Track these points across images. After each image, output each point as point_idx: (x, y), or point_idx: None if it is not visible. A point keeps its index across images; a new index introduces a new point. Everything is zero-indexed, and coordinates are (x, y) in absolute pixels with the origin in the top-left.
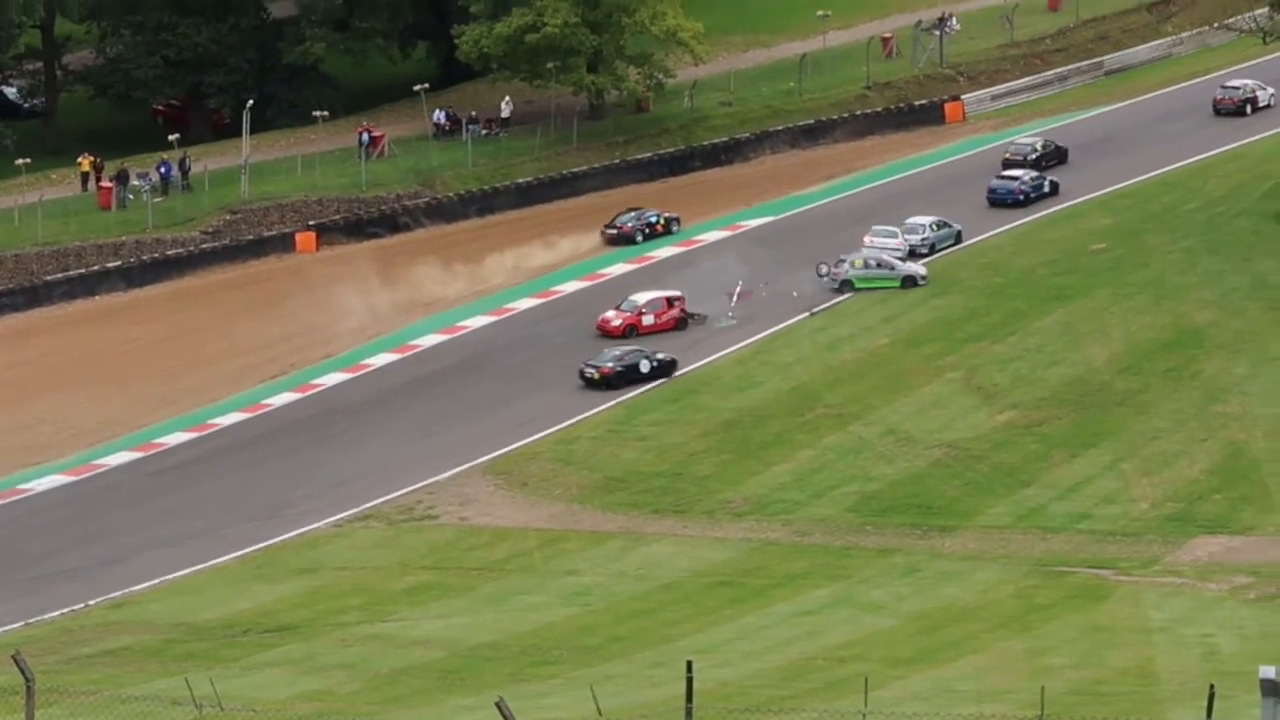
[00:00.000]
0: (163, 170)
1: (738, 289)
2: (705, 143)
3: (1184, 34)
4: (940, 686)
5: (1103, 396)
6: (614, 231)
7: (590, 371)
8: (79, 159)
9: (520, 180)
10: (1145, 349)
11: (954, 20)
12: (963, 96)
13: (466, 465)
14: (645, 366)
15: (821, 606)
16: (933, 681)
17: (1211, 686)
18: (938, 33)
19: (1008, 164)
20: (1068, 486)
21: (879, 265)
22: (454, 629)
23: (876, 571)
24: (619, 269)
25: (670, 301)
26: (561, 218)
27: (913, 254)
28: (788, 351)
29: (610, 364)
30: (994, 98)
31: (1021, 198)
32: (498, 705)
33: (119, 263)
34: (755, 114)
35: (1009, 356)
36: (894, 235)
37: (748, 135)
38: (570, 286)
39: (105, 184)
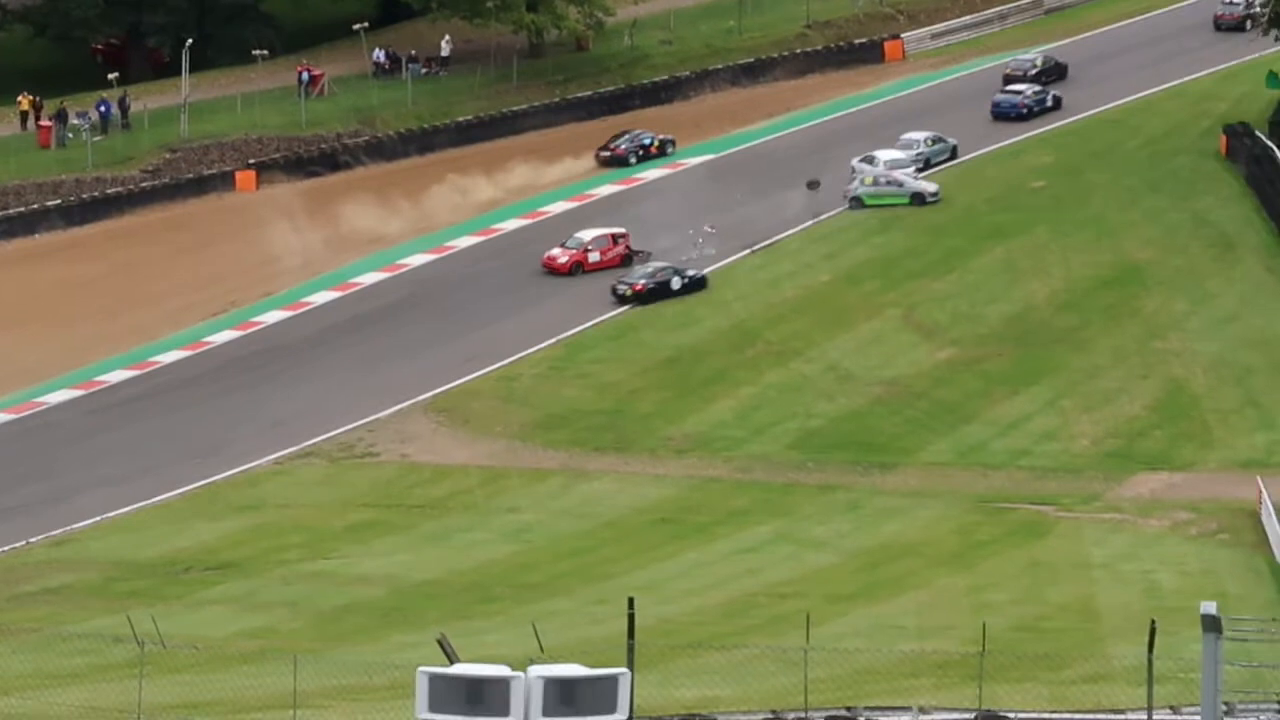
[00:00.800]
0: (102, 109)
1: (706, 227)
2: (645, 81)
3: None
4: (882, 623)
5: (1043, 334)
6: (607, 154)
7: (623, 288)
8: (18, 98)
9: (460, 119)
10: (1085, 286)
11: None
12: (903, 35)
13: (408, 403)
14: (676, 283)
15: (763, 543)
16: (874, 618)
17: (1153, 622)
18: None
19: (1009, 79)
20: (1008, 423)
21: (889, 182)
22: (396, 566)
23: (818, 509)
24: (559, 206)
25: (615, 238)
26: (502, 156)
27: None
28: (728, 289)
29: (643, 280)
30: (934, 36)
31: (1025, 111)
32: (439, 642)
33: (58, 201)
34: (695, 53)
35: (949, 294)
36: (872, 161)
37: (688, 74)
38: (511, 224)
39: (44, 123)
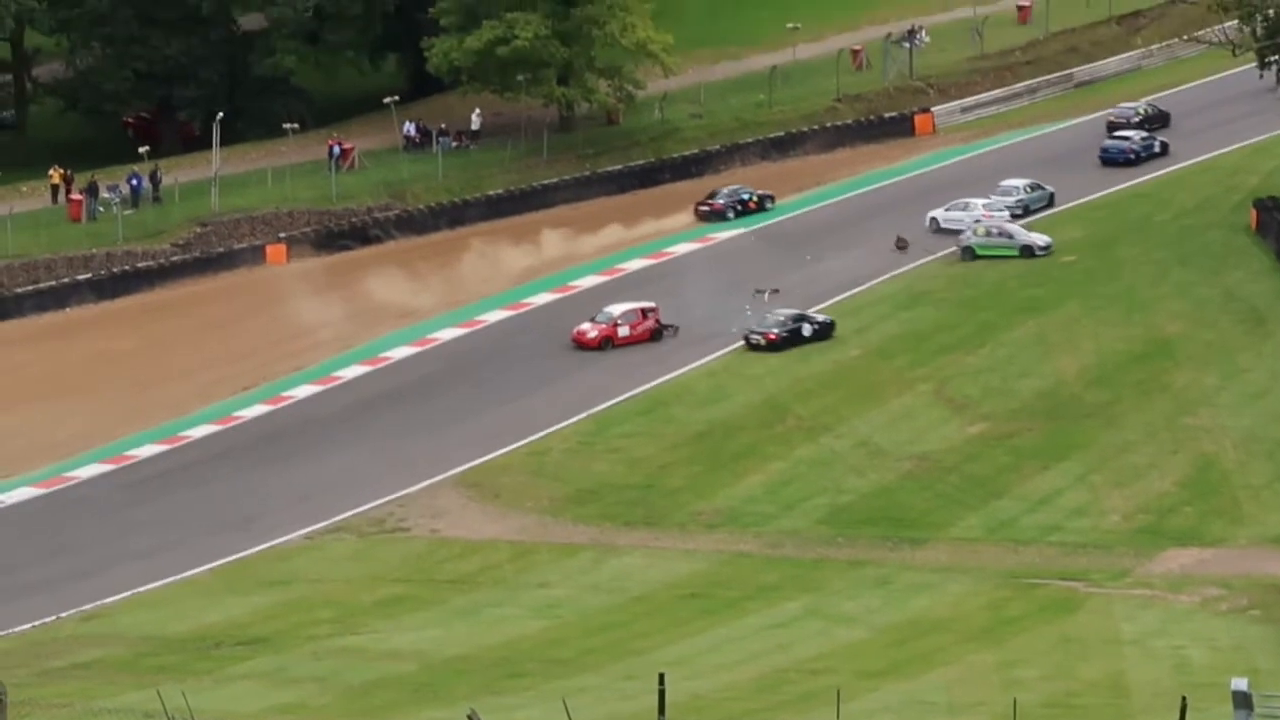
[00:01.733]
0: (133, 182)
1: (768, 289)
2: (675, 155)
3: (1153, 46)
4: (912, 699)
5: (1073, 408)
6: (706, 208)
7: (756, 338)
8: (49, 171)
9: (490, 192)
10: (1116, 361)
11: (923, 33)
12: (933, 109)
13: (438, 477)
14: (807, 330)
15: (793, 619)
16: (904, 694)
17: (1184, 698)
18: (907, 45)
19: (1113, 126)
20: (1039, 498)
21: (1000, 233)
22: (426, 641)
23: (848, 583)
24: (589, 280)
25: (645, 313)
26: (533, 229)
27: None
28: (758, 364)
29: (775, 330)
30: (964, 110)
31: (1133, 156)
32: (469, 717)
33: (89, 275)
34: (725, 126)
35: (980, 368)
36: (964, 208)
37: (718, 147)
38: (541, 298)
39: (75, 196)
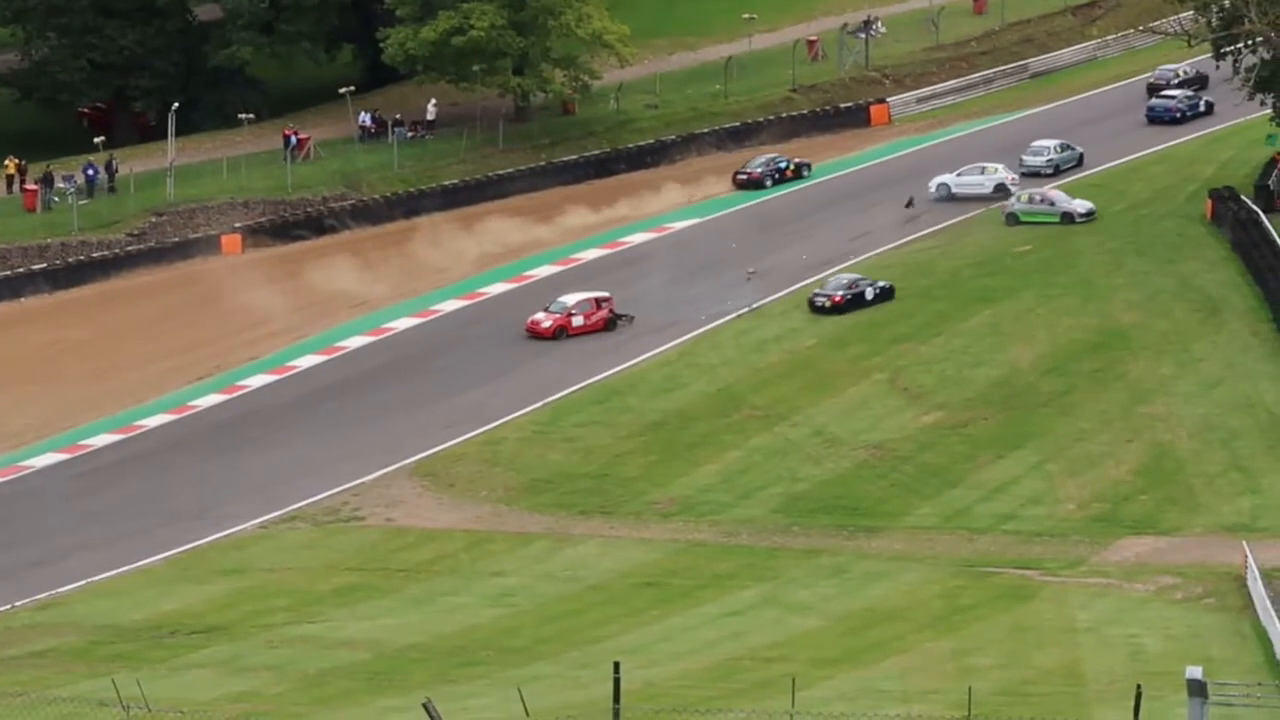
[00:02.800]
0: (88, 173)
1: (749, 270)
2: (631, 145)
3: (1109, 37)
4: (867, 687)
5: (1028, 398)
6: (744, 177)
7: (822, 300)
8: (3, 162)
9: (446, 182)
10: (1071, 350)
11: (879, 23)
12: (888, 99)
13: (393, 466)
14: (870, 293)
15: (748, 607)
16: (859, 682)
17: (1138, 687)
18: (863, 36)
19: (1153, 88)
20: (994, 487)
21: (1042, 200)
22: (381, 630)
23: (803, 572)
24: (545, 270)
25: (599, 302)
26: (488, 219)
27: (1037, 175)
28: (713, 353)
29: (841, 293)
30: (919, 100)
31: (1179, 115)
32: (425, 706)
33: (44, 265)
34: (681, 116)
35: (935, 358)
36: (980, 171)
37: (673, 137)
38: (497, 288)
39: (30, 186)
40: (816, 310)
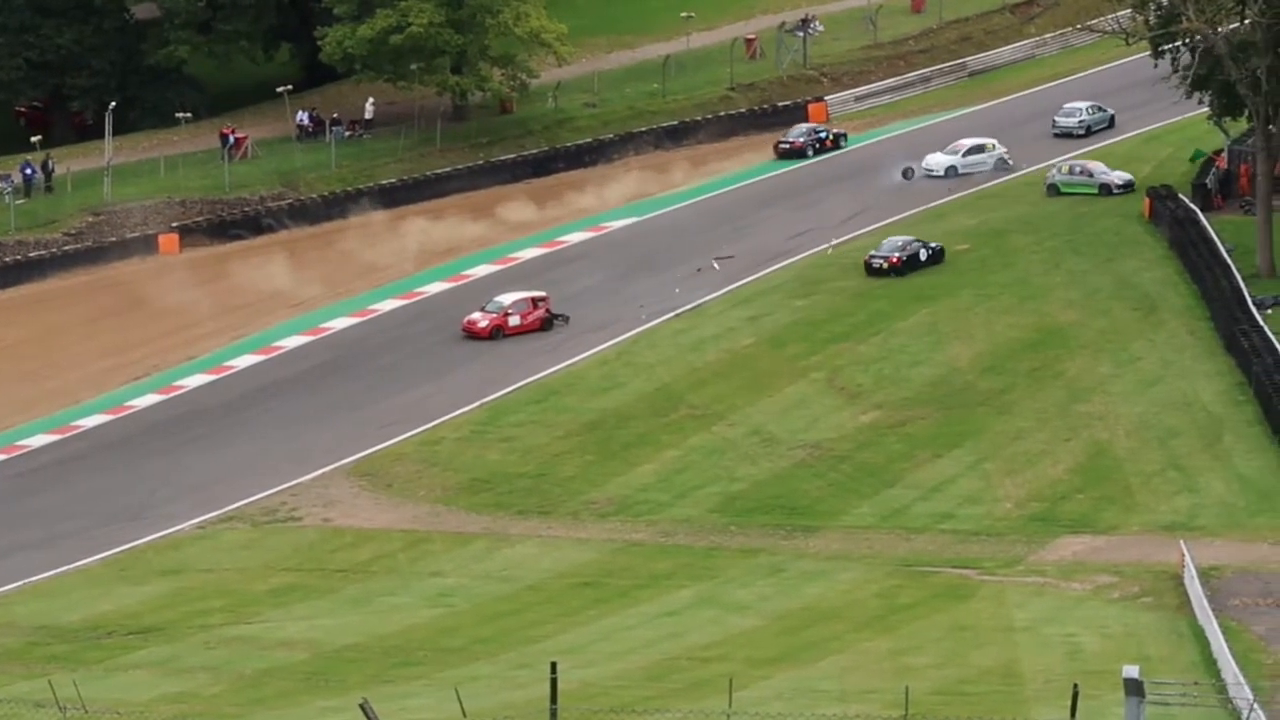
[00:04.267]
0: (25, 172)
1: (714, 258)
2: (569, 144)
3: (1047, 35)
4: (804, 686)
5: (966, 396)
6: (786, 145)
7: (879, 261)
8: None
9: (384, 181)
10: (1009, 349)
11: (817, 22)
12: (826, 97)
13: (330, 466)
14: (923, 255)
15: (685, 607)
16: (797, 681)
17: (1075, 686)
18: (801, 34)
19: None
20: (931, 486)
21: (1082, 172)
22: (318, 630)
23: (741, 572)
24: (482, 270)
25: (535, 302)
26: (426, 218)
27: (1069, 135)
28: (650, 352)
29: (897, 254)
30: (857, 99)
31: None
32: (361, 707)
33: None
34: (619, 115)
35: (872, 357)
36: (955, 153)
37: (611, 136)
38: (434, 287)
39: None
40: (873, 272)
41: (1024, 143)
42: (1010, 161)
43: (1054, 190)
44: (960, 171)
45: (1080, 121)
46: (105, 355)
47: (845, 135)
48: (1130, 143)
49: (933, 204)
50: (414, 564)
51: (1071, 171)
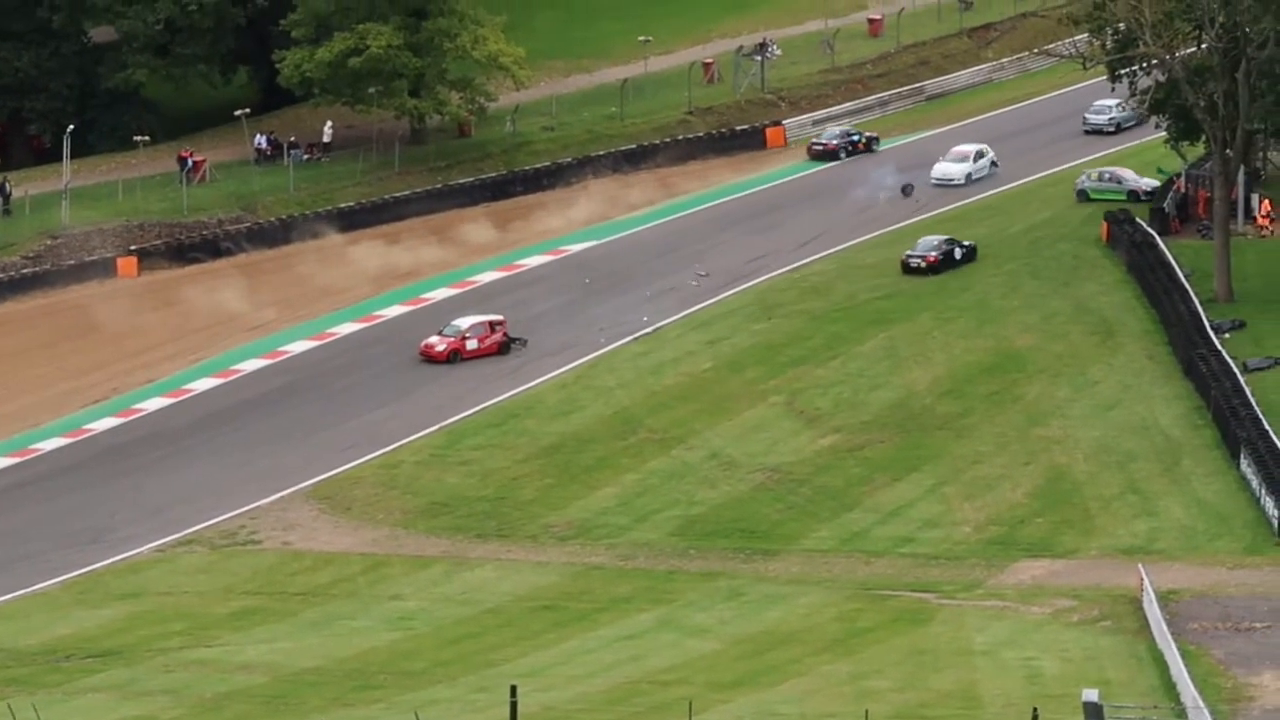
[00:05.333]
0: None
1: (698, 270)
2: (527, 167)
3: (1004, 60)
4: (764, 710)
5: (925, 420)
6: (820, 147)
7: (916, 261)
8: None
9: (342, 205)
10: (967, 373)
11: (774, 46)
12: (784, 121)
13: (290, 490)
14: (958, 253)
15: (645, 630)
16: (756, 705)
17: (1035, 709)
18: (759, 58)
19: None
20: (890, 510)
21: (1110, 179)
22: (278, 654)
23: (700, 595)
24: (441, 293)
25: (493, 326)
26: (384, 241)
27: (1100, 133)
28: (610, 376)
29: (933, 253)
30: (815, 122)
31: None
32: None
33: None
34: (577, 138)
35: (831, 380)
36: (964, 160)
37: (570, 160)
38: (393, 311)
39: None
40: (910, 271)
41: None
42: (998, 165)
43: (1083, 196)
44: (974, 178)
45: (1110, 119)
46: (63, 379)
47: (878, 139)
48: (1088, 166)
49: (893, 226)
50: (374, 587)
51: (1101, 178)
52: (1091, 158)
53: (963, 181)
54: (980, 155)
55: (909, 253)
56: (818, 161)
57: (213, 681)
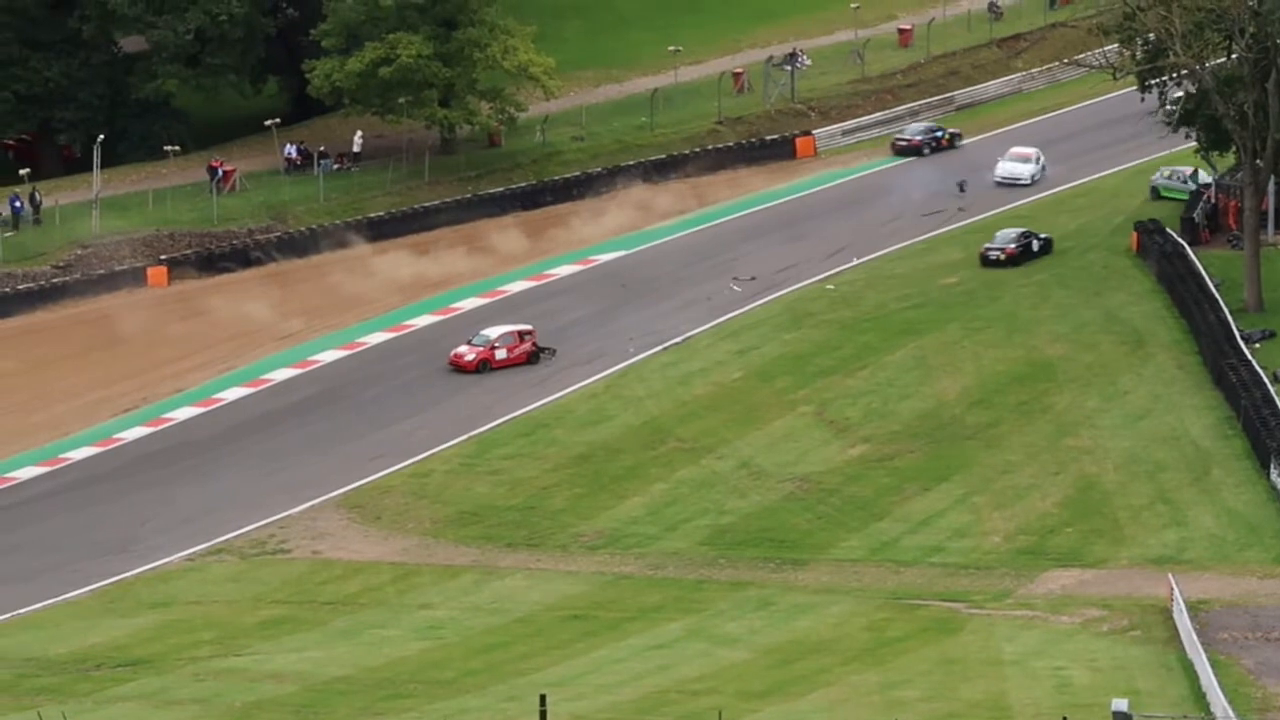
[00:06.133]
0: (13, 205)
1: (734, 279)
2: (557, 177)
3: (1034, 70)
4: (794, 719)
5: (954, 430)
6: (904, 143)
7: (995, 253)
8: None
9: (372, 214)
10: (997, 382)
11: (804, 56)
12: (814, 131)
13: (320, 499)
14: (1035, 245)
15: (675, 640)
16: (786, 714)
17: (1064, 719)
18: (789, 68)
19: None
20: (920, 520)
21: (1180, 179)
22: (307, 663)
23: (730, 605)
24: (471, 303)
25: (522, 335)
26: (414, 251)
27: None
28: (639, 386)
29: (1012, 244)
30: (845, 133)
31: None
32: None
33: None
34: (607, 148)
35: (861, 390)
36: (1027, 161)
37: (599, 170)
38: (423, 320)
39: None
40: (989, 264)
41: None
42: (1047, 170)
43: (1155, 193)
44: (1035, 179)
45: (1032, 174)
46: (94, 388)
47: (960, 135)
48: (1118, 178)
49: (920, 237)
50: (403, 596)
51: (1172, 176)
52: (1116, 170)
53: (1029, 181)
54: (1039, 158)
55: (987, 245)
56: (900, 156)
57: (242, 690)
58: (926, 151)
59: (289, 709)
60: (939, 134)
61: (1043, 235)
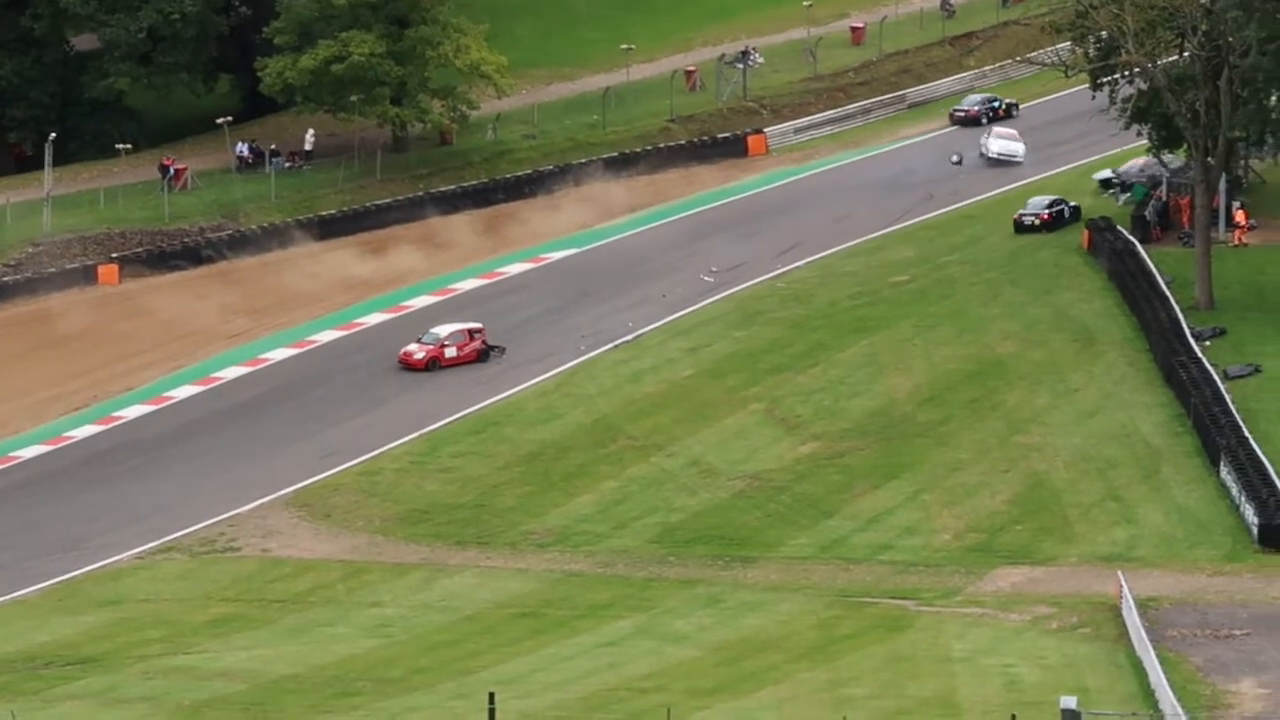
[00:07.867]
0: None
1: (707, 274)
2: (509, 175)
3: (986, 68)
4: (742, 717)
5: (905, 428)
6: (962, 113)
7: (1030, 219)
8: None
9: (323, 213)
10: (947, 380)
11: (757, 54)
12: (765, 129)
13: (269, 497)
14: (1066, 213)
15: (624, 637)
16: (735, 713)
17: (1013, 716)
18: (741, 66)
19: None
20: (870, 517)
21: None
22: (256, 661)
23: (679, 602)
24: (422, 301)
25: (471, 334)
26: (365, 249)
27: None
28: (590, 383)
29: (1046, 210)
30: (797, 130)
31: None
32: None
33: None
34: (559, 147)
35: (812, 388)
36: (1016, 139)
37: (551, 168)
38: (373, 318)
39: None
40: (1023, 230)
41: (969, 172)
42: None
43: (1105, 186)
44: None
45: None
46: (44, 386)
47: (1017, 105)
48: (1069, 175)
49: (872, 235)
50: (352, 594)
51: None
52: (1068, 168)
53: (1022, 160)
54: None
55: (1021, 212)
56: (958, 126)
57: (192, 689)
58: (984, 121)
59: (238, 707)
60: (996, 104)
61: (1072, 204)
